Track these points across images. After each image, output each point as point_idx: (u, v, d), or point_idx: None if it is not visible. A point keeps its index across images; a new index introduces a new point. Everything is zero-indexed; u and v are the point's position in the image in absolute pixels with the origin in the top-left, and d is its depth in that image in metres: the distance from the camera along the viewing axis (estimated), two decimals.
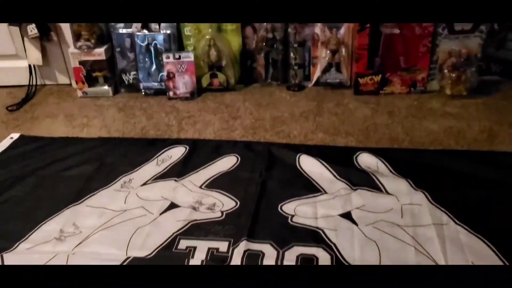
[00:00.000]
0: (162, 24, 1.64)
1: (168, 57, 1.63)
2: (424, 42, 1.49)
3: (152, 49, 1.65)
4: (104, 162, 1.29)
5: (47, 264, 0.95)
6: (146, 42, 1.64)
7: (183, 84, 1.65)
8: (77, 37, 1.64)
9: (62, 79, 1.82)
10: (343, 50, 1.58)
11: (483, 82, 1.54)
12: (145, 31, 1.64)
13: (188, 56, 1.63)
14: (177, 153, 1.31)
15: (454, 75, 1.48)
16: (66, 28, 1.67)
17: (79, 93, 1.72)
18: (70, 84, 1.82)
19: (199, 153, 1.31)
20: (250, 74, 1.73)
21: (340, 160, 1.22)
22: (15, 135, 1.46)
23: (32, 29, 1.60)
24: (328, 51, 1.59)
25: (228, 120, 1.49)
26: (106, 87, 1.71)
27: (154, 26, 1.64)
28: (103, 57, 1.66)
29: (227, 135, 1.40)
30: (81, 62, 1.67)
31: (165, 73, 1.65)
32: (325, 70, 1.62)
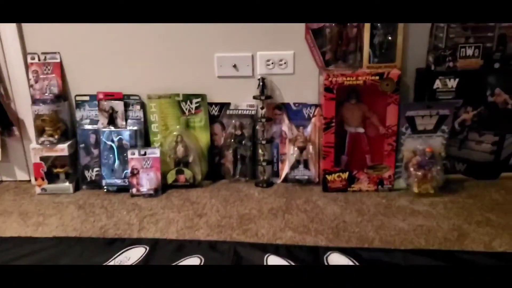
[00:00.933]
0: (129, 121, 1.63)
1: (133, 153, 1.59)
2: (388, 141, 1.52)
3: (115, 145, 1.62)
4: (58, 263, 1.19)
5: None
6: (111, 138, 1.62)
7: (147, 180, 1.60)
8: (39, 132, 1.61)
9: (21, 176, 1.75)
10: (310, 147, 1.59)
11: (449, 180, 1.56)
12: (111, 127, 1.62)
13: (154, 152, 1.60)
14: (136, 254, 1.22)
15: (420, 173, 1.49)
16: (29, 123, 1.64)
17: (38, 190, 1.64)
18: (29, 181, 1.75)
19: (160, 254, 1.22)
20: (218, 170, 1.70)
21: (310, 261, 1.16)
22: None
23: None
24: (296, 148, 1.60)
25: (192, 218, 1.43)
26: (67, 184, 1.64)
27: (120, 122, 1.63)
28: (65, 153, 1.61)
29: (191, 234, 1.33)
30: (42, 158, 1.61)
31: (129, 170, 1.60)
32: (293, 167, 1.62)
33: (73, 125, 1.67)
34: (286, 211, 1.45)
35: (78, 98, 1.64)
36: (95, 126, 1.64)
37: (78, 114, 1.64)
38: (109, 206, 1.53)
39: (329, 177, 1.56)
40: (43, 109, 1.58)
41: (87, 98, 1.64)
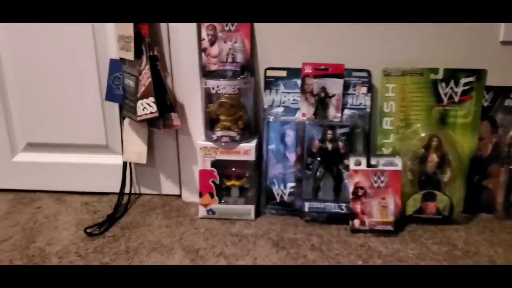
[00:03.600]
0: (346, 111, 1.03)
1: (357, 163, 0.98)
2: None
3: (327, 148, 1.01)
4: None
5: None
6: (320, 137, 1.01)
7: (380, 208, 0.97)
8: (211, 123, 1.03)
9: (169, 188, 1.18)
10: None
11: None
12: (320, 120, 1.02)
13: (393, 163, 0.97)
14: None
15: None
16: (192, 107, 1.07)
17: (202, 212, 1.06)
18: (179, 196, 1.18)
19: None
20: (477, 196, 1.05)
21: None
22: None
23: (147, 105, 1.00)
24: None
25: None
26: (247, 206, 1.05)
27: (334, 113, 1.02)
28: (251, 157, 1.03)
29: None
30: (214, 163, 1.03)
31: (349, 189, 0.98)
32: None
33: (257, 115, 1.08)
34: None
35: (270, 73, 1.05)
36: (293, 117, 1.04)
37: (268, 99, 1.06)
38: (324, 248, 0.92)
39: None
40: (222, 86, 1.00)
41: (283, 73, 1.05)
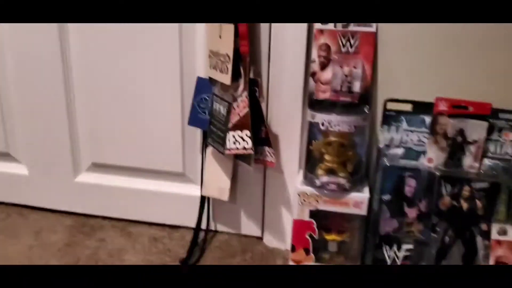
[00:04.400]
0: (487, 161, 0.81)
1: (502, 232, 0.77)
2: None
3: (462, 207, 0.81)
4: None
5: None
6: (452, 191, 0.81)
7: None
8: (312, 162, 0.84)
9: (250, 228, 1.01)
10: None
11: None
12: (453, 169, 0.81)
13: None
14: None
15: None
16: (290, 142, 0.89)
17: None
18: (260, 238, 1.01)
19: None
20: None
21: None
22: None
23: (240, 139, 0.82)
24: None
25: None
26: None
27: (471, 162, 0.81)
28: (361, 210, 0.83)
29: None
30: (314, 214, 0.85)
31: (488, 263, 0.78)
32: None
33: (368, 155, 0.89)
34: None
35: (391, 105, 0.85)
36: (416, 162, 0.84)
37: (385, 136, 0.86)
38: None
39: None
40: (335, 123, 0.81)
41: (408, 107, 0.84)
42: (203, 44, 0.89)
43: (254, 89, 0.84)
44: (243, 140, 0.83)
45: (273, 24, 0.85)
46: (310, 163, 0.86)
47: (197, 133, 0.97)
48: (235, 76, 0.82)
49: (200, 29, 0.90)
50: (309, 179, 0.85)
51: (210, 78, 0.88)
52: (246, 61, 0.81)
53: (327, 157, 0.84)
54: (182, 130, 0.97)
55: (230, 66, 0.80)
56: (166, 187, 1.03)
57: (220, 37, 0.82)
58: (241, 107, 0.82)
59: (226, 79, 0.81)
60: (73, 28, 0.95)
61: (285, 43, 0.85)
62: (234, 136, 0.84)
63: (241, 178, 0.97)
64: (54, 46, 0.95)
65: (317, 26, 0.83)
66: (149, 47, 0.92)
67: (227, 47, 0.80)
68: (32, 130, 1.04)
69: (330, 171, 0.84)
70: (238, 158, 0.91)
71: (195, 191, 1.00)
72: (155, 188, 1.03)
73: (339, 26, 0.82)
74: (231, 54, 0.80)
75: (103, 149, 1.03)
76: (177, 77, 0.93)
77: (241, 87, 0.82)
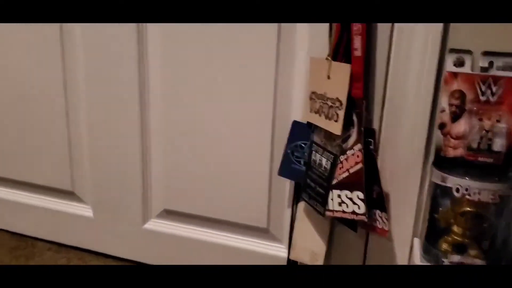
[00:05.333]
0: None
1: None
2: None
3: None
4: None
5: None
6: None
7: None
8: (435, 232, 0.68)
9: None
10: None
11: None
12: None
13: None
14: None
15: None
16: (399, 203, 0.73)
17: None
18: None
19: None
20: None
21: None
22: None
23: (348, 200, 0.67)
24: None
25: None
26: None
27: None
28: None
29: None
30: None
31: None
32: None
33: (509, 229, 0.71)
34: None
35: None
36: None
37: None
38: None
39: None
40: (475, 190, 0.64)
41: None
42: (302, 83, 0.76)
43: (369, 141, 0.69)
44: (353, 202, 0.67)
45: (392, 62, 0.70)
46: (434, 232, 0.69)
47: (287, 185, 0.83)
48: (346, 124, 0.67)
49: (299, 65, 0.77)
50: (432, 255, 0.69)
51: (309, 123, 0.74)
52: (361, 108, 0.67)
53: (456, 229, 0.67)
54: (270, 180, 0.84)
55: (341, 113, 0.66)
56: (246, 244, 0.89)
57: (328, 77, 0.68)
58: (352, 162, 0.67)
59: (335, 127, 0.67)
60: (153, 64, 0.84)
61: (406, 85, 0.70)
62: (339, 196, 0.69)
63: (338, 241, 0.82)
64: (132, 85, 0.85)
65: (449, 68, 0.67)
66: (238, 84, 0.80)
67: (338, 90, 0.66)
68: (101, 170, 0.94)
69: (459, 247, 0.67)
70: (340, 220, 0.75)
71: (279, 252, 0.86)
72: (233, 244, 0.90)
73: (477, 69, 0.66)
74: (344, 99, 0.65)
75: (177, 195, 0.91)
76: (269, 119, 0.80)
77: (354, 138, 0.67)
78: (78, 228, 1.00)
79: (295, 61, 0.77)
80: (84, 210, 1.00)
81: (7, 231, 1.09)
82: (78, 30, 0.87)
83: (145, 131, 0.89)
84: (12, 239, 1.07)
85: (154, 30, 0.83)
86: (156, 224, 0.95)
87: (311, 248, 0.79)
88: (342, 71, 0.65)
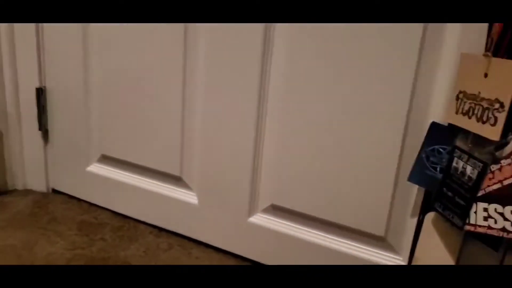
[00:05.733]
0: None
1: None
2: None
3: None
4: None
5: None
6: None
7: None
8: None
9: None
10: None
11: None
12: None
13: None
14: None
15: None
16: None
17: None
18: None
19: None
20: None
21: None
22: None
23: (497, 216, 0.60)
24: None
25: None
26: None
27: None
28: None
29: None
30: None
31: None
32: None
33: None
34: None
35: None
36: None
37: None
38: None
39: None
40: None
41: None
42: (447, 81, 0.69)
43: None
44: (504, 218, 0.60)
45: None
46: None
47: (413, 191, 0.76)
48: (504, 129, 0.60)
49: (445, 62, 0.70)
50: None
51: (452, 126, 0.67)
52: None
53: None
54: (394, 185, 0.77)
55: (502, 116, 0.58)
56: (357, 250, 0.84)
57: (485, 75, 0.61)
58: (508, 173, 0.59)
59: (492, 132, 0.60)
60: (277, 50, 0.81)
61: None
62: (486, 210, 0.61)
63: (466, 259, 0.74)
64: (252, 81, 0.83)
65: None
66: (368, 82, 0.74)
67: (500, 90, 0.59)
68: (211, 158, 0.93)
69: None
70: (479, 236, 0.68)
71: (395, 263, 0.79)
72: (343, 249, 0.85)
73: None
74: (507, 100, 0.58)
75: (287, 191, 0.87)
76: (402, 118, 0.74)
77: None
78: (181, 214, 1.00)
79: (440, 59, 0.70)
80: (189, 196, 0.99)
81: (110, 211, 1.11)
82: (202, 29, 0.86)
83: (260, 126, 0.86)
84: (114, 219, 1.09)
85: (279, 42, 0.80)
86: (261, 219, 0.92)
87: (436, 263, 0.72)
88: (507, 68, 0.58)
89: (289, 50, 0.80)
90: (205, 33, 0.86)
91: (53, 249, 0.95)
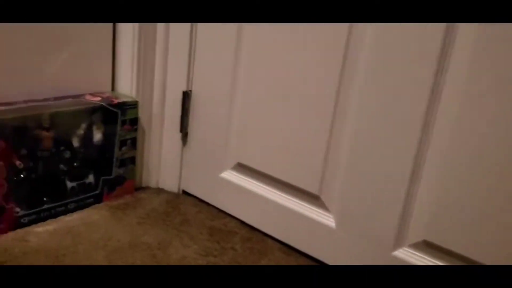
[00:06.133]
0: None
1: None
2: None
3: None
4: None
5: None
6: None
7: None
8: None
9: None
10: None
11: None
12: None
13: None
14: None
15: None
16: None
17: None
18: None
19: None
20: None
21: None
22: None
23: None
24: None
25: None
26: None
27: None
28: None
29: None
30: None
31: None
32: None
33: None
34: None
35: None
36: None
37: None
38: None
39: None
40: None
41: None
42: None
43: None
44: None
45: None
46: None
47: None
48: None
49: None
50: None
51: None
52: None
53: None
54: None
55: None
56: None
57: None
58: None
59: None
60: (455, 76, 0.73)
61: None
62: None
63: None
64: (419, 100, 0.75)
65: None
66: None
67: None
68: (355, 180, 0.87)
69: None
70: None
71: None
72: None
73: None
74: None
75: (444, 227, 0.78)
76: None
77: None
78: (315, 235, 0.95)
79: None
80: (326, 218, 0.94)
81: (238, 219, 1.10)
82: (368, 31, 0.81)
83: (420, 153, 0.78)
84: (243, 229, 1.07)
85: (461, 46, 0.71)
86: (409, 254, 0.84)
87: None
88: None
89: (472, 56, 0.71)
90: (368, 48, 0.81)
91: (186, 253, 0.95)
